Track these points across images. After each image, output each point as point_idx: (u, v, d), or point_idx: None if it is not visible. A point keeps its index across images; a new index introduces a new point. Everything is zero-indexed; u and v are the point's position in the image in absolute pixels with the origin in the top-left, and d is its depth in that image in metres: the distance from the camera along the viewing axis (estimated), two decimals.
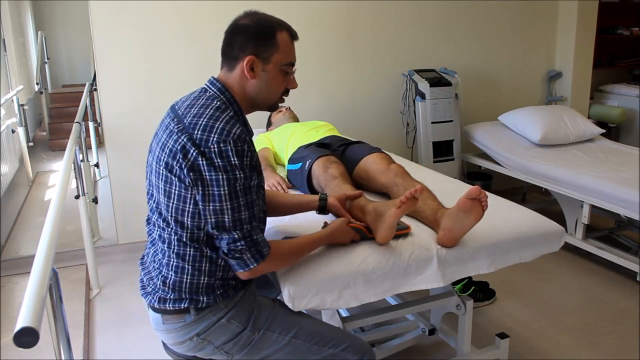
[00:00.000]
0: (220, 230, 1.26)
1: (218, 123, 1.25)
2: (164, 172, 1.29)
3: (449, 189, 1.89)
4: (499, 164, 3.53)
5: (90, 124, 3.75)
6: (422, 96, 3.52)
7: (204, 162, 1.23)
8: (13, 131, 4.24)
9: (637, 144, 4.23)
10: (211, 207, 1.25)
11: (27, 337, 0.99)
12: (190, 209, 1.28)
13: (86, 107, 3.50)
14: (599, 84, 4.74)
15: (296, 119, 2.84)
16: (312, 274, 1.45)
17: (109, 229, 3.37)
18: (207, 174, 1.23)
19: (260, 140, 2.56)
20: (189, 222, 1.29)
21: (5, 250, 3.32)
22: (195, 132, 1.25)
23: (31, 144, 4.39)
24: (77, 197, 2.67)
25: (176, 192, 1.28)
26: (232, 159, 1.23)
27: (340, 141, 2.29)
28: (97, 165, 3.94)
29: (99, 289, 2.89)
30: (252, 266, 1.29)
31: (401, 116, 3.79)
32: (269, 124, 2.93)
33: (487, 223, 1.63)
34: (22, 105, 4.19)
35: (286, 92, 1.44)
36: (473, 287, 2.46)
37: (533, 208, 1.92)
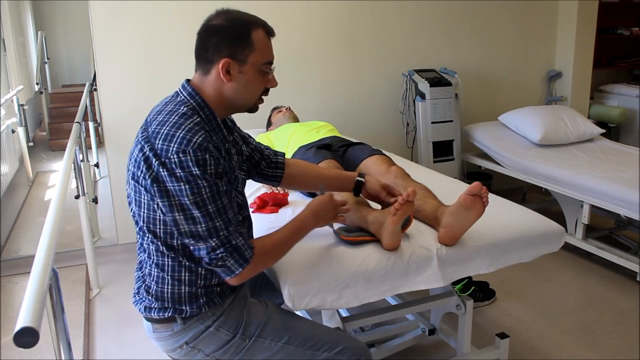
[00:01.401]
0: (196, 239, 1.22)
1: (179, 132, 1.20)
2: (132, 182, 1.27)
3: (449, 189, 1.89)
4: (499, 164, 3.53)
5: (90, 124, 3.75)
6: (422, 96, 3.52)
7: (165, 173, 1.19)
8: (13, 131, 4.24)
9: (637, 144, 4.23)
10: (182, 216, 1.21)
11: (27, 337, 0.99)
12: (160, 217, 1.25)
13: (86, 107, 3.49)
14: (599, 84, 4.74)
15: (296, 119, 2.84)
16: (312, 274, 1.45)
17: (109, 229, 3.37)
18: (170, 185, 1.19)
19: (260, 140, 2.56)
20: (161, 231, 1.26)
21: (5, 250, 3.32)
22: (157, 142, 1.21)
23: (31, 144, 4.38)
24: (77, 197, 2.67)
25: (145, 201, 1.25)
26: (193, 169, 1.18)
27: (341, 142, 2.29)
28: (97, 165, 3.93)
29: (99, 289, 2.89)
30: (237, 272, 1.25)
31: (401, 116, 3.79)
32: (269, 124, 2.93)
33: (487, 223, 1.63)
34: (22, 105, 4.18)
35: (266, 92, 1.37)
36: (473, 287, 2.46)
37: (533, 208, 1.92)
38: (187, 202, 1.19)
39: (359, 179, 1.63)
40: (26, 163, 4.30)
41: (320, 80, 3.58)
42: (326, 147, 2.23)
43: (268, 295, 1.57)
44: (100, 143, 3.79)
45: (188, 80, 1.35)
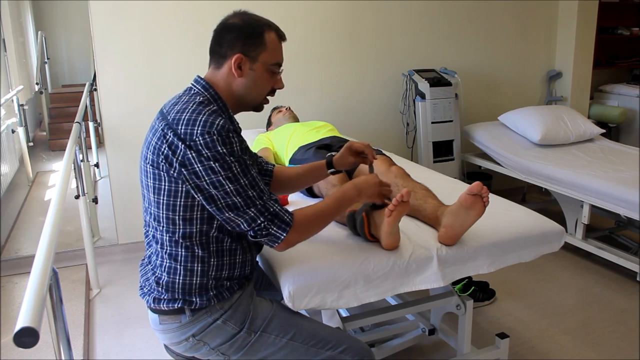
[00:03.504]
0: (235, 211, 1.26)
1: (201, 116, 1.26)
2: (150, 170, 1.30)
3: (449, 189, 1.89)
4: (499, 164, 3.53)
5: (90, 124, 3.75)
6: (422, 96, 3.52)
7: (193, 154, 1.23)
8: (13, 131, 4.24)
9: (637, 144, 4.23)
10: (217, 192, 1.24)
11: (27, 337, 0.99)
12: (182, 202, 1.28)
13: (86, 107, 3.49)
14: (599, 84, 4.74)
15: (296, 119, 2.84)
16: (312, 273, 1.45)
17: (109, 229, 3.37)
18: (198, 166, 1.24)
19: (260, 140, 2.56)
20: (180, 217, 1.29)
21: (5, 250, 3.32)
22: (180, 127, 1.25)
23: (31, 144, 4.38)
24: (77, 197, 2.67)
25: (165, 187, 1.28)
26: (220, 149, 1.23)
27: (341, 142, 2.29)
28: (97, 165, 3.93)
29: (99, 289, 2.89)
30: (282, 237, 1.30)
31: (401, 116, 3.79)
32: (269, 124, 2.93)
33: (487, 223, 1.63)
34: (22, 105, 4.18)
35: (272, 92, 1.44)
36: (473, 287, 2.46)
37: (533, 208, 1.92)
38: (220, 178, 1.24)
39: (329, 153, 1.66)
40: (26, 163, 4.30)
41: (320, 80, 3.58)
42: (326, 147, 2.23)
43: (268, 295, 1.57)
44: (100, 143, 3.79)
45: (199, 77, 1.40)
